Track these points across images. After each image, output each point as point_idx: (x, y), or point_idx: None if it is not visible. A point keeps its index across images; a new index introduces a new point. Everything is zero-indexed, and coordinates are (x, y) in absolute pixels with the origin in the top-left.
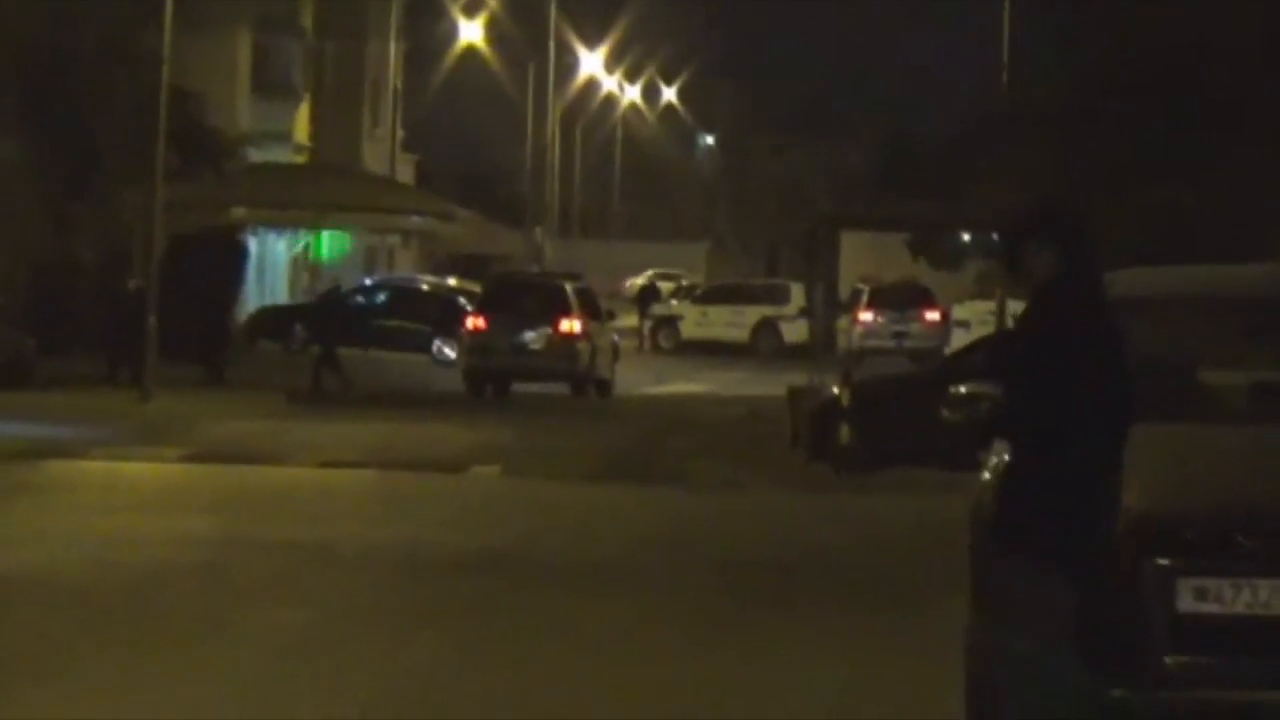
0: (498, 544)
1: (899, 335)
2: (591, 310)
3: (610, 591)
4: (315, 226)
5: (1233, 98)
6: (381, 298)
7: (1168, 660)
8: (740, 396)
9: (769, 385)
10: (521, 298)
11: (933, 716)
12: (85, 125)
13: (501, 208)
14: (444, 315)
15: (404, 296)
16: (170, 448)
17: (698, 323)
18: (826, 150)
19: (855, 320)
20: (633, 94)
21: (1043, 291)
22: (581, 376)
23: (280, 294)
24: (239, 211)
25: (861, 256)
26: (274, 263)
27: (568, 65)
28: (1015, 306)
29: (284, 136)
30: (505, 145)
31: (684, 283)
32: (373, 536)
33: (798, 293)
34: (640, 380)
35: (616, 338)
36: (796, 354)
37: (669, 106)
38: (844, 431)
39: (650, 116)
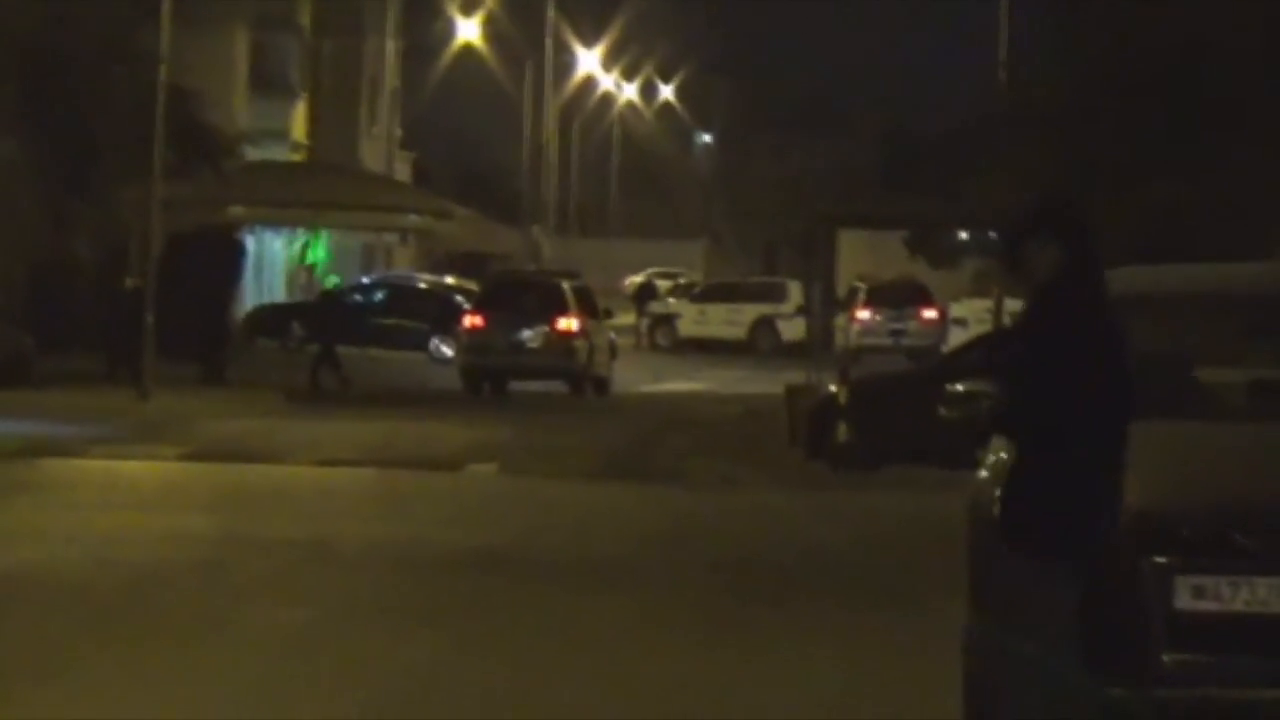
0: (496, 542)
1: (896, 333)
2: (589, 308)
3: (609, 589)
4: (313, 225)
5: (1232, 96)
6: (379, 296)
7: (1166, 658)
8: (738, 395)
9: (766, 383)
10: (519, 296)
11: (931, 715)
12: (84, 124)
13: (499, 206)
14: (442, 314)
15: (401, 295)
16: (169, 446)
17: (695, 321)
18: (826, 149)
19: (853, 318)
20: (630, 92)
21: (1045, 290)
22: (579, 375)
23: (278, 292)
24: (237, 210)
25: (859, 255)
26: (271, 261)
27: (565, 63)
28: (1013, 304)
29: (281, 135)
30: (503, 143)
31: (681, 281)
32: (371, 534)
33: (795, 291)
34: (638, 378)
35: (614, 336)
36: (794, 352)
37: (666, 104)
38: (842, 430)
39: (648, 114)
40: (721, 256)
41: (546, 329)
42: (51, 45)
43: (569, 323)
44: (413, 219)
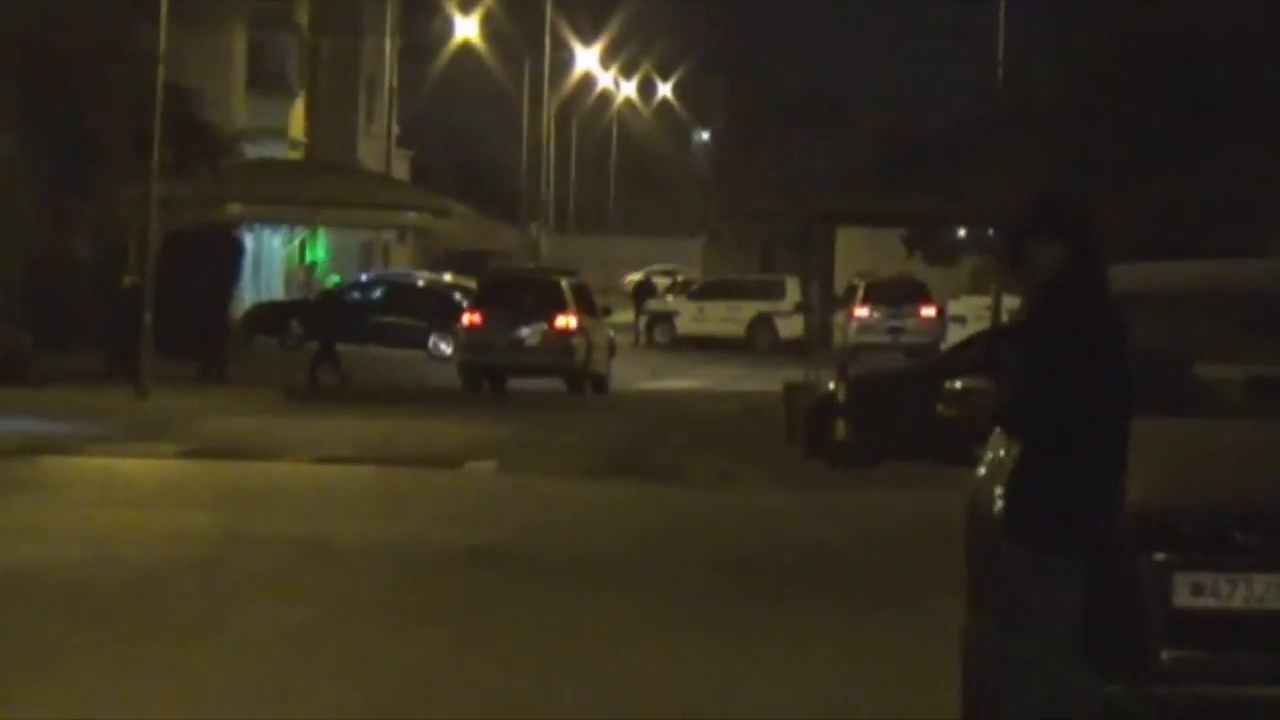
0: (494, 540)
1: (894, 331)
2: (587, 306)
3: (607, 587)
4: (311, 223)
5: (1232, 95)
6: (378, 294)
7: (1164, 655)
8: (736, 392)
9: (764, 381)
10: (517, 294)
11: (930, 713)
12: (82, 122)
13: (497, 204)
14: (440, 311)
15: (400, 292)
16: (167, 444)
17: (694, 318)
18: (824, 148)
19: (851, 316)
20: (628, 90)
21: (1047, 288)
22: (577, 372)
23: (276, 290)
24: (235, 208)
25: (857, 252)
26: (270, 259)
27: (563, 61)
28: (1010, 301)
29: (280, 133)
30: (501, 141)
31: (679, 279)
32: (370, 532)
33: (793, 288)
34: (636, 376)
35: (612, 334)
36: (792, 349)
37: (664, 102)
38: (840, 427)
39: (646, 112)
40: (720, 254)
41: (545, 327)
42: (50, 44)
43: (567, 320)
44: (411, 217)
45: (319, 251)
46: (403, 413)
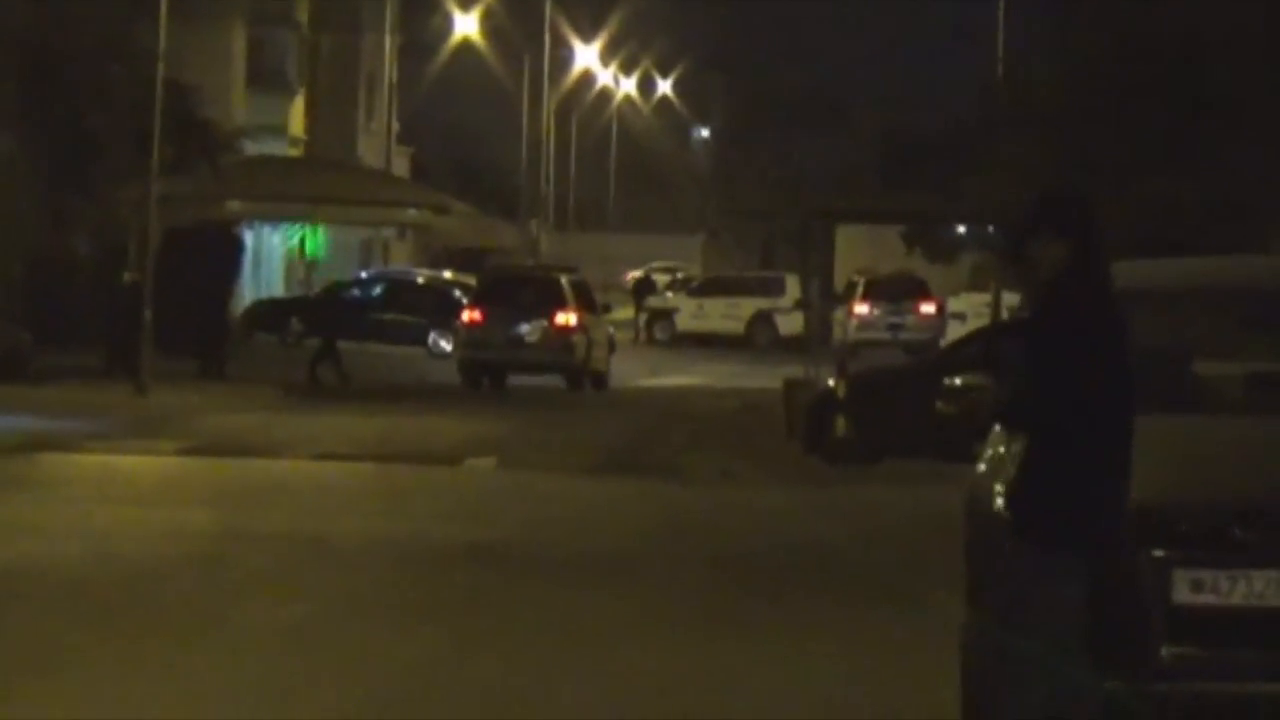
0: (494, 537)
1: (894, 327)
2: (587, 303)
3: (607, 584)
4: (310, 220)
5: (1231, 94)
6: (377, 291)
7: (1164, 652)
8: (735, 389)
9: (764, 378)
10: (517, 291)
11: (929, 711)
12: (81, 121)
13: (497, 201)
14: (440, 308)
15: (400, 290)
16: (167, 441)
17: (693, 315)
18: (823, 147)
19: (851, 313)
20: (628, 87)
21: (1051, 286)
22: (577, 369)
23: (276, 287)
24: (234, 205)
25: (857, 249)
26: (269, 256)
27: (563, 58)
28: (1010, 298)
29: (279, 130)
30: (501, 138)
31: (679, 276)
32: (370, 529)
33: (793, 285)
34: (636, 373)
35: (612, 330)
36: (792, 347)
37: (664, 99)
38: (840, 424)
39: (645, 109)
40: (719, 251)
41: (545, 324)
42: (50, 43)
43: (567, 317)
44: (410, 214)
45: (317, 248)
46: (402, 410)
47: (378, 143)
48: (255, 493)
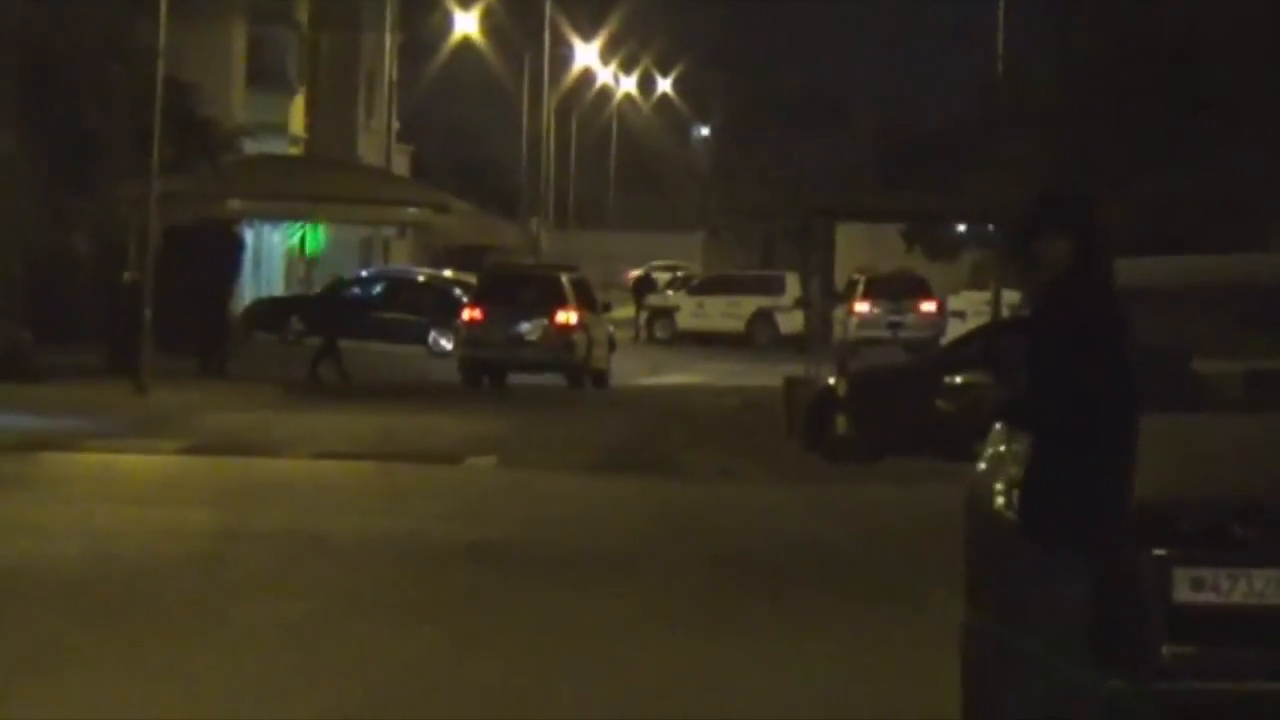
0: (494, 536)
1: (894, 326)
2: (587, 302)
3: (606, 583)
4: (311, 219)
5: (1231, 92)
6: (378, 290)
7: (1165, 651)
8: (736, 387)
9: (764, 376)
10: (517, 289)
11: (929, 710)
12: (81, 119)
13: (496, 199)
14: (440, 307)
15: (400, 288)
16: (167, 439)
17: (694, 314)
18: (822, 146)
19: (851, 311)
20: (628, 85)
21: (1054, 284)
22: (577, 368)
23: (276, 286)
24: (235, 203)
25: (856, 248)
26: (269, 255)
27: (563, 57)
28: (1011, 296)
29: (280, 129)
30: (500, 136)
31: (680, 274)
32: (370, 528)
33: (793, 283)
34: (636, 371)
35: (612, 329)
36: (791, 344)
37: (664, 97)
38: (840, 422)
39: (645, 107)
40: (720, 250)
41: (545, 322)
42: (49, 42)
43: (568, 316)
44: (411, 212)
45: (318, 247)
46: (403, 408)
47: (378, 141)
48: (256, 491)
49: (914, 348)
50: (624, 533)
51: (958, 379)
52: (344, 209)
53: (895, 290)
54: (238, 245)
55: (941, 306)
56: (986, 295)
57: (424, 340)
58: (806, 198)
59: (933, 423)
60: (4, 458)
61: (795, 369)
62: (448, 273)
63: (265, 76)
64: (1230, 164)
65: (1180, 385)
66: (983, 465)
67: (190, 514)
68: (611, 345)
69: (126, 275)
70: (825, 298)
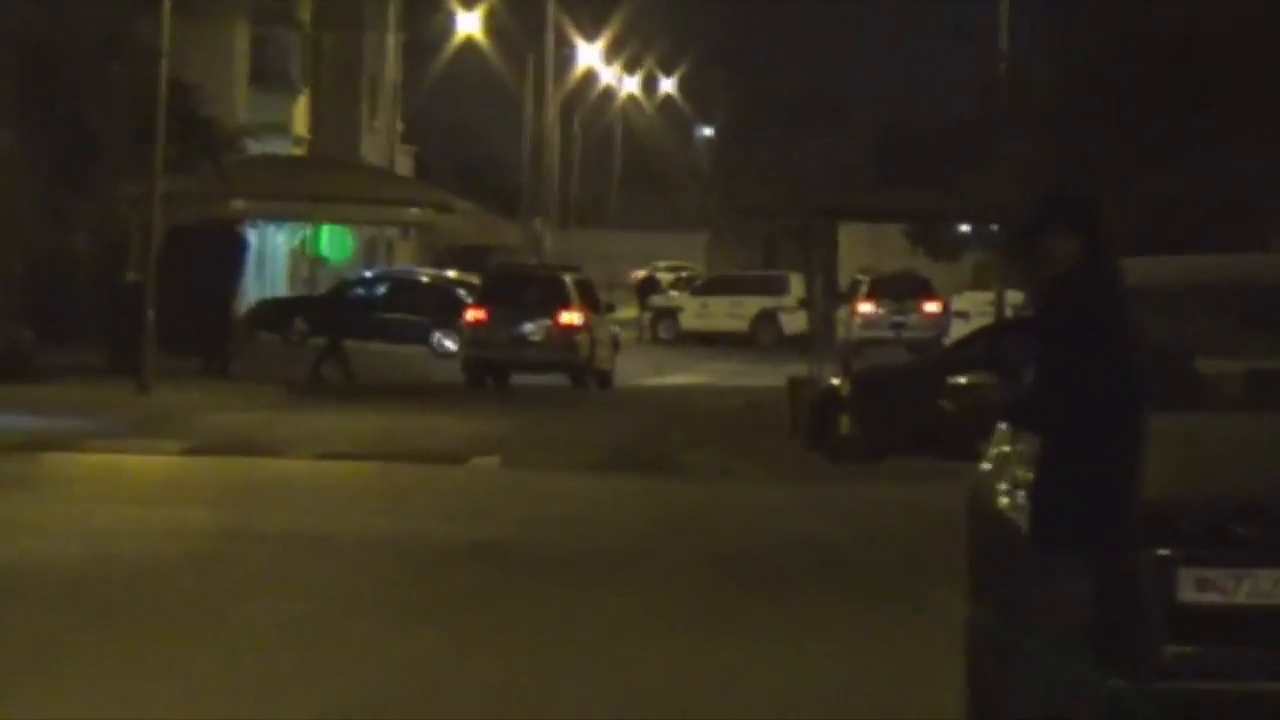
0: (498, 535)
1: (898, 326)
2: (591, 302)
3: (609, 583)
4: (314, 219)
5: (1231, 92)
6: (381, 290)
7: (1168, 650)
8: (739, 387)
9: (767, 376)
10: (521, 290)
11: (928, 710)
12: (81, 119)
13: (498, 199)
14: (443, 307)
15: (404, 289)
16: (170, 440)
17: (698, 314)
18: (822, 146)
19: (855, 311)
20: (630, 85)
21: (1060, 282)
22: (581, 368)
23: (280, 286)
24: (238, 204)
25: (860, 247)
26: (273, 255)
27: (565, 56)
28: (1014, 296)
29: (283, 129)
30: (503, 136)
31: (684, 275)
32: (372, 528)
33: (797, 284)
34: (640, 371)
35: (616, 329)
36: (795, 345)
37: (666, 97)
38: (844, 422)
39: (649, 107)
40: (723, 250)
41: (549, 323)
42: (50, 41)
43: (571, 317)
44: (414, 213)
45: (336, 250)
46: (407, 408)
47: (381, 141)
48: (258, 492)
49: (918, 348)
50: (625, 532)
51: (961, 379)
52: (347, 209)
53: (899, 291)
54: (240, 245)
55: (945, 307)
56: (990, 295)
57: (427, 340)
58: (807, 197)
59: (936, 423)
60: (6, 458)
61: (798, 369)
62: (451, 273)
63: (268, 77)
64: (1230, 164)
65: (1184, 385)
66: (986, 465)
67: (192, 514)
68: (616, 346)
69: (130, 276)
70: (828, 298)
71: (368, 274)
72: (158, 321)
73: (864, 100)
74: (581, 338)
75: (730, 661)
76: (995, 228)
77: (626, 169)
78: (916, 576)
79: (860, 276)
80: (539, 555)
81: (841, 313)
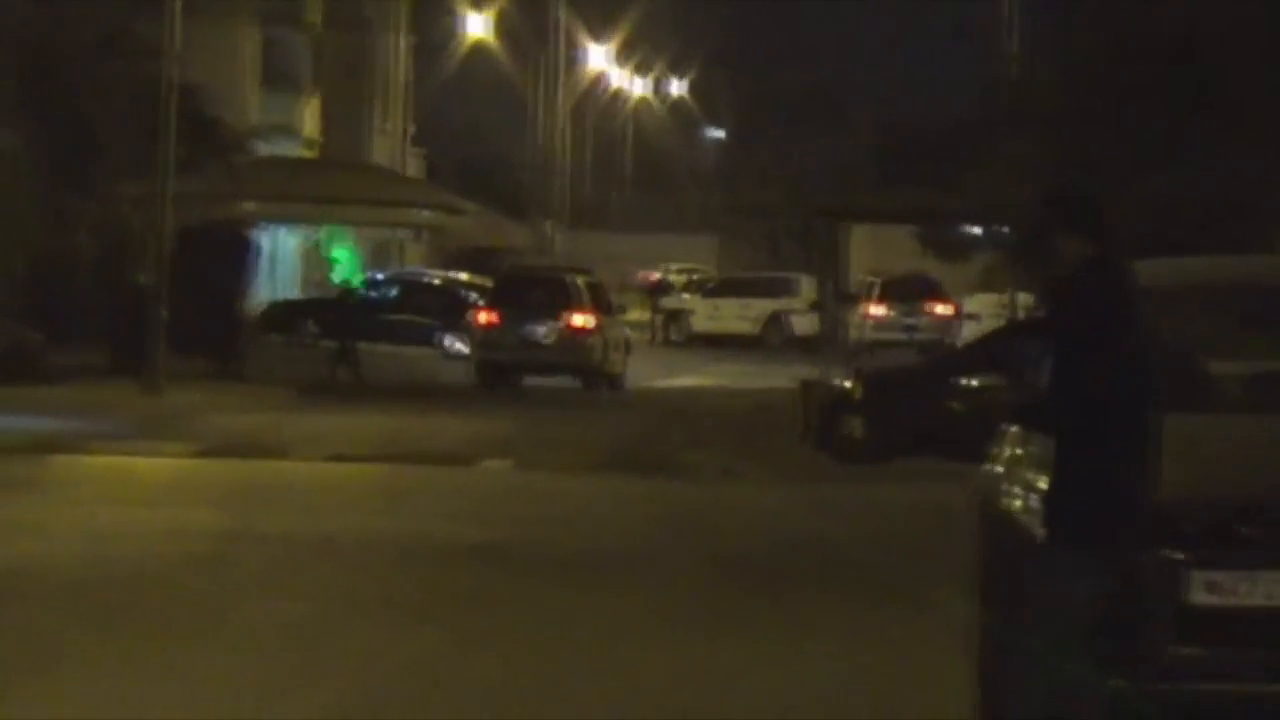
0: (507, 537)
1: (909, 328)
2: (602, 304)
3: (615, 584)
4: (325, 221)
5: (1231, 92)
6: (391, 292)
7: (1171, 652)
8: (749, 389)
9: (778, 378)
10: (533, 292)
11: (928, 710)
12: (85, 118)
13: (502, 200)
14: (453, 310)
15: (413, 291)
16: (179, 442)
17: (709, 316)
18: (824, 146)
19: (866, 314)
20: (637, 86)
21: (1070, 281)
22: (593, 370)
23: (290, 288)
24: (249, 206)
25: (868, 249)
26: (284, 257)
27: (576, 59)
28: (1025, 298)
29: (293, 131)
30: (513, 138)
31: (695, 277)
32: (375, 529)
33: (808, 286)
34: (651, 373)
35: (628, 332)
36: (806, 347)
37: (678, 99)
38: (855, 424)
39: (658, 109)
40: (731, 250)
41: (561, 325)
42: (51, 40)
43: (583, 319)
44: (424, 215)
45: (334, 256)
46: (417, 410)
47: (392, 144)
48: (263, 493)
49: (928, 350)
50: (634, 534)
51: (972, 381)
52: (358, 211)
53: (910, 293)
54: (249, 247)
55: (957, 309)
56: (999, 297)
57: (437, 342)
58: (808, 197)
59: (946, 424)
60: (14, 459)
61: (808, 371)
62: (463, 275)
63: (278, 79)
64: (1230, 164)
65: (1194, 386)
66: (997, 468)
67: (196, 515)
68: (627, 348)
69: (140, 278)
70: (838, 300)
71: (378, 276)
72: (167, 322)
73: (864, 100)
74: (593, 340)
75: (730, 661)
76: (1005, 230)
77: (633, 170)
78: (917, 577)
79: (872, 279)
80: (551, 557)
81: (853, 315)
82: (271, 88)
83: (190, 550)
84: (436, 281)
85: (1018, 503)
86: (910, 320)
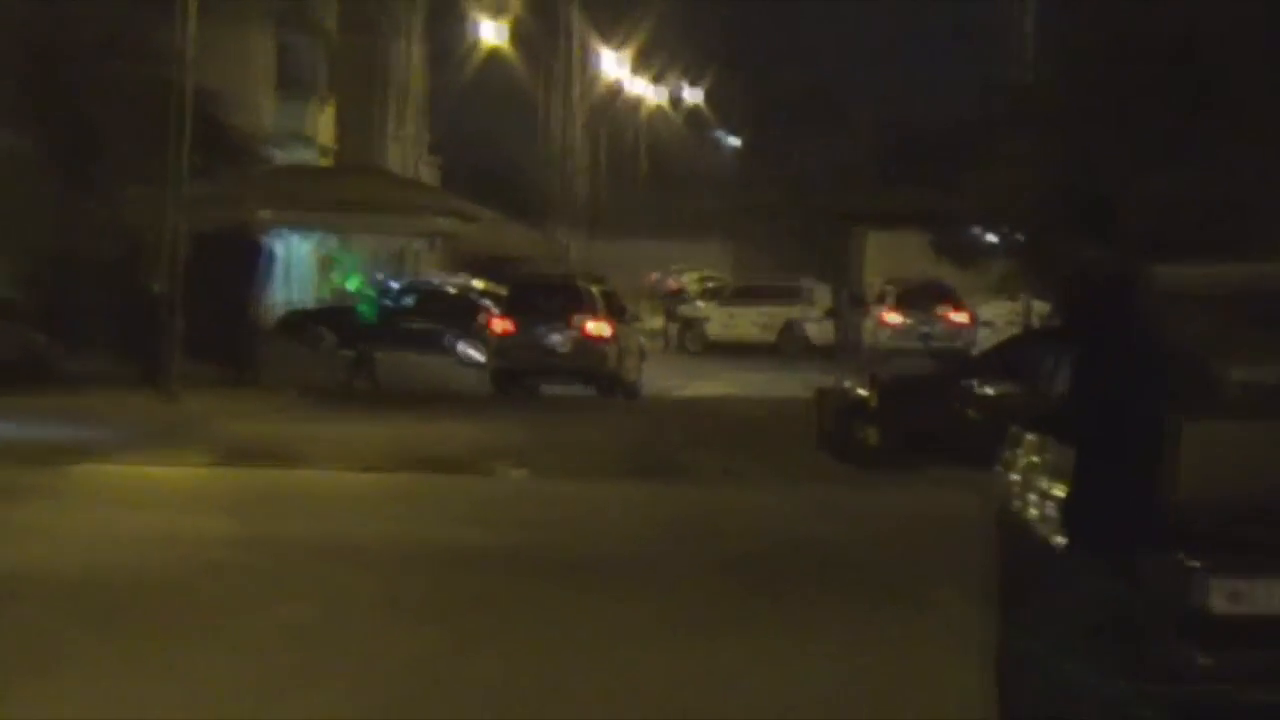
0: (513, 541)
1: (925, 335)
2: (617, 312)
3: (617, 587)
4: (340, 229)
5: (1232, 92)
6: (407, 300)
7: (1184, 656)
8: (765, 397)
9: (793, 385)
10: (548, 300)
11: (929, 711)
12: (94, 122)
13: (522, 207)
14: (468, 317)
15: (428, 298)
16: (194, 449)
17: (724, 324)
18: (825, 146)
19: (882, 321)
20: (653, 93)
21: (1085, 289)
22: (608, 377)
23: (306, 296)
24: (265, 213)
25: (881, 256)
26: (299, 265)
27: (590, 67)
28: (1040, 306)
29: (308, 138)
30: (528, 146)
31: (711, 284)
32: (386, 535)
33: (823, 293)
34: (666, 381)
35: (643, 340)
36: (821, 354)
37: (694, 108)
38: (872, 432)
39: (673, 116)
40: (745, 256)
41: (577, 333)
42: (57, 43)
43: (599, 327)
44: (440, 222)
45: (349, 259)
46: (433, 418)
47: (406, 150)
48: (277, 501)
49: (944, 357)
50: (646, 540)
51: (989, 389)
52: (374, 219)
53: (926, 300)
54: (263, 254)
55: (973, 316)
56: (1015, 305)
57: (452, 350)
58: (809, 198)
59: (962, 430)
60: (30, 467)
61: (824, 378)
62: (478, 283)
63: (292, 85)
64: (1230, 164)
65: (1213, 392)
66: (1015, 476)
67: (207, 522)
68: (642, 355)
69: (155, 286)
70: (853, 306)
71: (394, 284)
72: (182, 329)
73: (864, 100)
74: (609, 348)
75: (731, 662)
76: (1021, 237)
77: (648, 176)
78: (918, 578)
79: (888, 286)
80: (562, 562)
81: (868, 322)
82: (286, 94)
83: (200, 556)
84: (452, 289)
85: (1035, 510)
86: (926, 327)
